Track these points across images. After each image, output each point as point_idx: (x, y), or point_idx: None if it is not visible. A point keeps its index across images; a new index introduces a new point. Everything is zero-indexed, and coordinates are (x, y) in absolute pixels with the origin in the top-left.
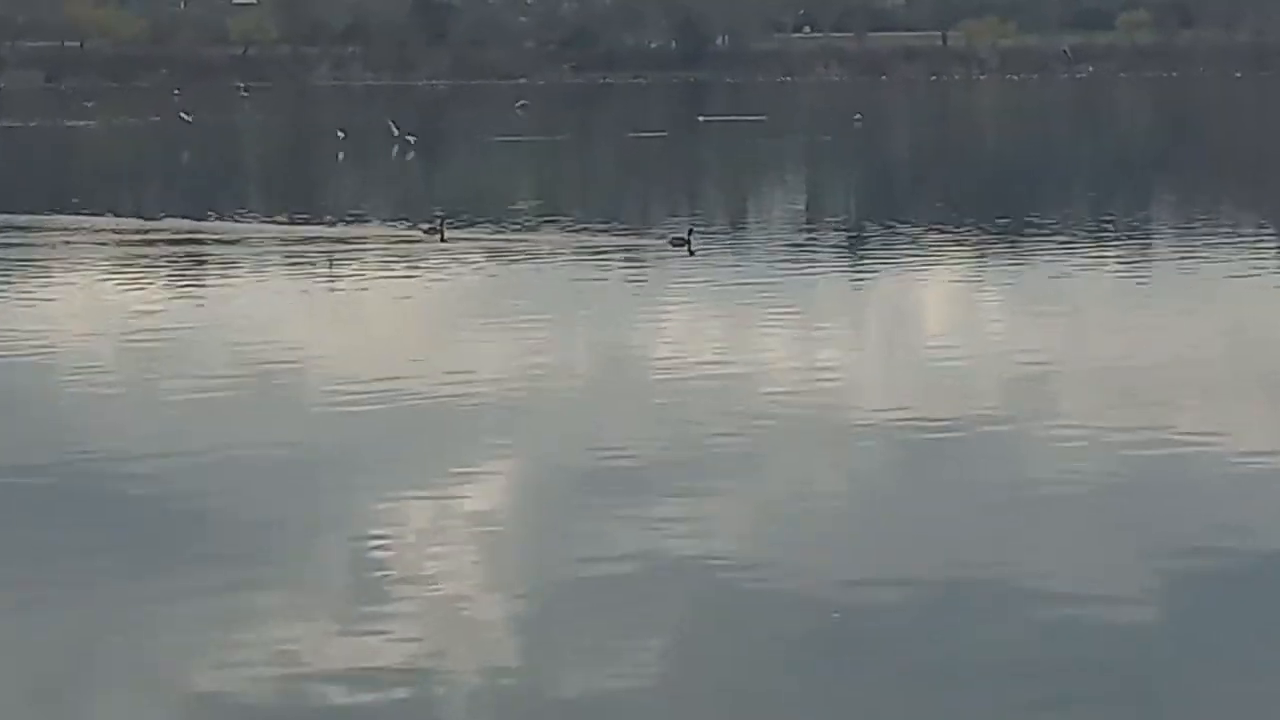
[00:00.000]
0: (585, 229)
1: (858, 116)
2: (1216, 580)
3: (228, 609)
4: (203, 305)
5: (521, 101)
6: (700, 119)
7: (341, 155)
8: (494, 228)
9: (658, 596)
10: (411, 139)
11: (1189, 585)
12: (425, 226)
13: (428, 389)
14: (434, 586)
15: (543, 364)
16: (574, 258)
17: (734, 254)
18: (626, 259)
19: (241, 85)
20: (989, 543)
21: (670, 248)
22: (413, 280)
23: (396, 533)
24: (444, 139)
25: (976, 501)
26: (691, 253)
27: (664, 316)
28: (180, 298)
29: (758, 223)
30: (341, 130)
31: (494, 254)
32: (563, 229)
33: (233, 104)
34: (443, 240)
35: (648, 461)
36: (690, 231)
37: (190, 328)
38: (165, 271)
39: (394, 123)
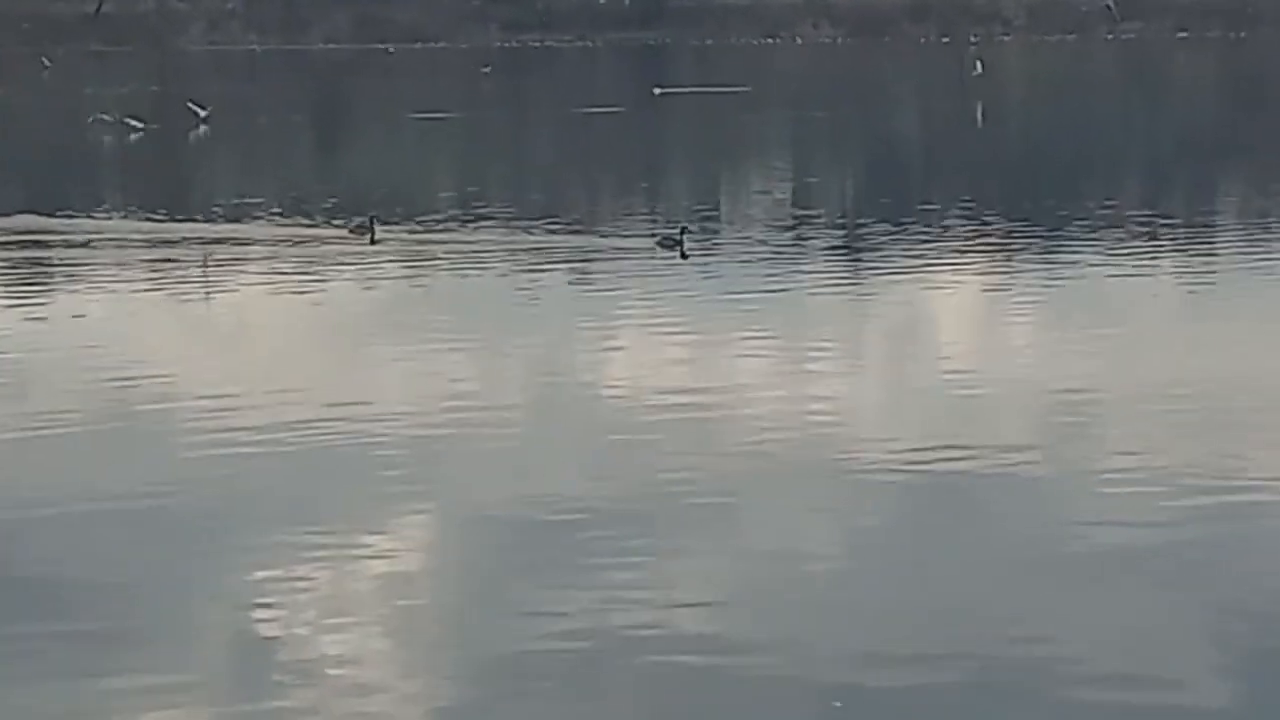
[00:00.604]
0: (548, 228)
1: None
2: None
3: (84, 696)
4: (45, 322)
5: (486, 66)
6: (656, 91)
7: (136, 135)
8: (432, 226)
9: (611, 682)
10: (203, 111)
11: (1265, 666)
12: (353, 224)
13: (332, 423)
14: (335, 670)
15: (478, 392)
16: (537, 262)
17: (726, 257)
18: (599, 263)
19: (46, 58)
20: (1019, 612)
21: (659, 250)
22: (326, 289)
23: (290, 602)
24: (350, 116)
25: (1004, 561)
26: (684, 256)
27: (635, 332)
28: (16, 312)
29: (746, 219)
30: (199, 105)
31: (433, 257)
32: (523, 229)
33: (33, 74)
34: (373, 241)
35: (602, 512)
36: (683, 231)
37: (32, 350)
38: None
39: (195, 103)
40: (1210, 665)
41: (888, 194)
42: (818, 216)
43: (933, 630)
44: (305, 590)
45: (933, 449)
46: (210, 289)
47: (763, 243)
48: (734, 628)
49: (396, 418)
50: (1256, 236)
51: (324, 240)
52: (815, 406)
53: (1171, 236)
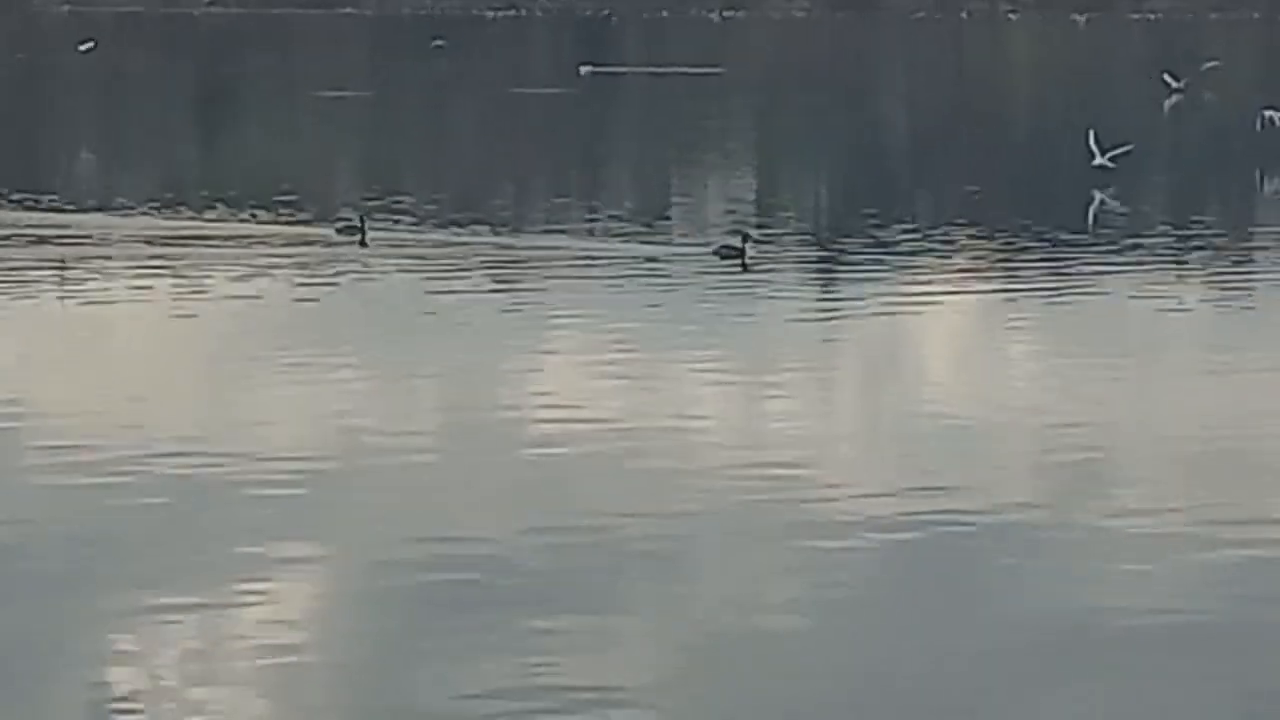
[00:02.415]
0: (571, 229)
1: None
2: None
3: None
4: None
5: (438, 40)
6: (582, 70)
7: None
8: (424, 227)
9: None
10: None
11: None
12: (341, 225)
13: (213, 455)
14: None
15: (385, 420)
16: (548, 271)
17: (679, 269)
18: (625, 272)
19: None
20: (1007, 693)
21: (718, 259)
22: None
23: (153, 666)
24: (250, 93)
25: (991, 630)
26: (746, 267)
27: (573, 353)
28: None
29: (699, 225)
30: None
31: (433, 262)
32: (542, 230)
33: None
34: (364, 245)
35: (518, 563)
36: (745, 239)
37: None
38: None
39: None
40: None
41: (869, 199)
42: (785, 222)
43: (906, 711)
44: (171, 652)
45: (912, 497)
46: (70, 296)
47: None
48: (678, 699)
49: (285, 450)
50: None
51: (307, 241)
52: (776, 445)
53: (1201, 251)
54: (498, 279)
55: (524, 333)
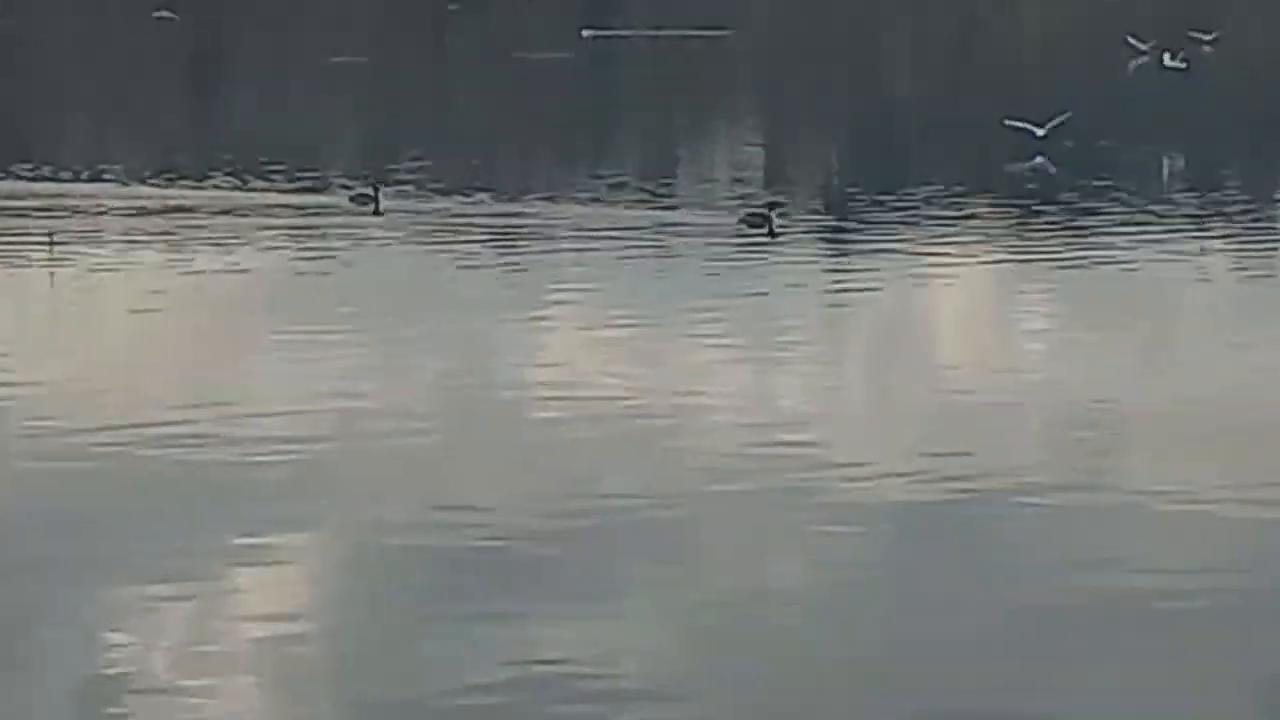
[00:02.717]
0: (580, 196)
1: None
2: None
3: None
4: None
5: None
6: (584, 33)
7: None
8: (434, 196)
9: None
10: None
11: None
12: (353, 193)
13: (213, 430)
14: None
15: (383, 395)
16: (558, 239)
17: (686, 242)
18: (640, 241)
19: None
20: (1019, 670)
21: (745, 228)
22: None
23: (149, 647)
24: (252, 59)
25: (1003, 609)
26: (773, 234)
27: (576, 327)
28: None
29: (707, 198)
30: None
31: (445, 232)
32: (541, 197)
33: None
34: (377, 213)
35: (534, 545)
36: (771, 206)
37: None
38: None
39: None
40: None
41: (883, 168)
42: (795, 193)
43: (918, 689)
44: (165, 634)
45: (923, 473)
46: (65, 266)
47: (731, 227)
48: (685, 683)
49: (284, 425)
50: None
51: (318, 211)
52: (784, 421)
53: (1222, 220)
54: (512, 249)
55: (537, 304)
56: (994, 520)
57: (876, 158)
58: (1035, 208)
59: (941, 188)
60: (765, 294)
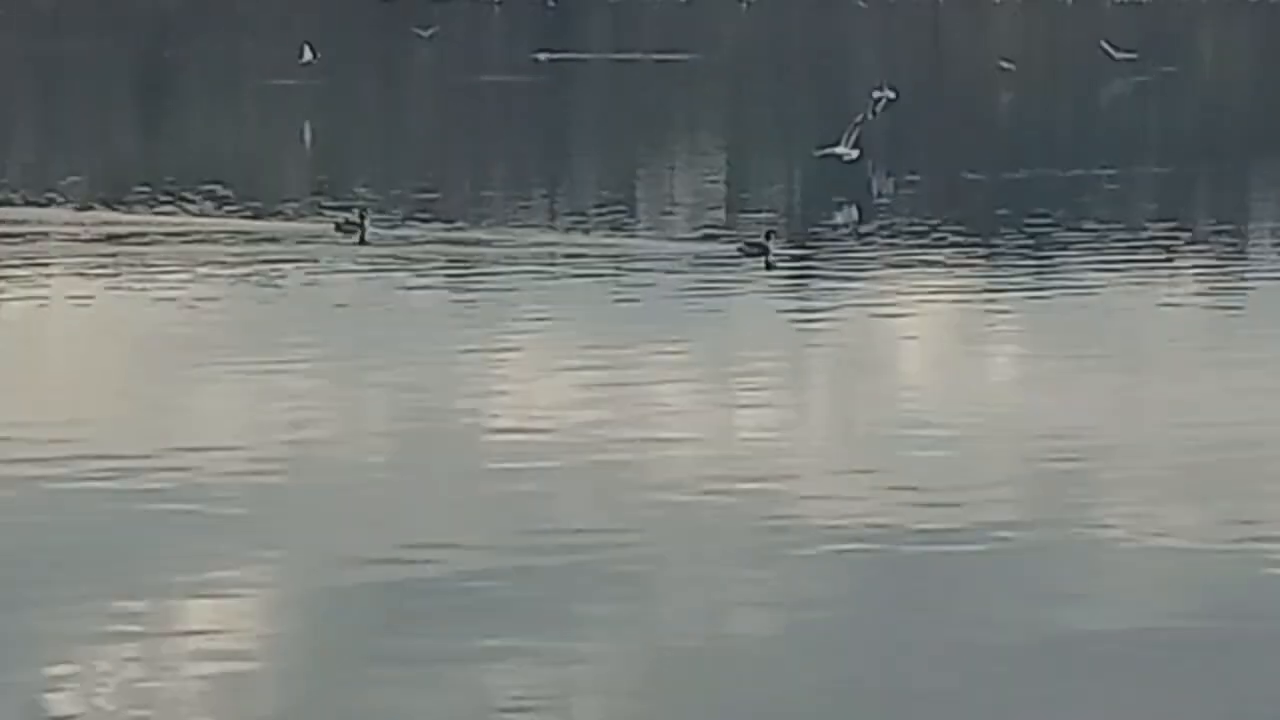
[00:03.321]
0: (562, 226)
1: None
2: None
3: None
4: None
5: (431, 29)
6: (539, 57)
7: None
8: (440, 224)
9: None
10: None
11: None
12: (340, 219)
13: (160, 464)
14: None
15: (336, 426)
16: (550, 270)
17: (647, 268)
18: (597, 270)
19: None
20: (995, 711)
21: (743, 256)
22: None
23: (95, 691)
24: (186, 80)
25: (974, 651)
26: (770, 266)
27: (531, 359)
28: None
29: (666, 224)
30: None
31: (446, 261)
32: (544, 226)
33: None
34: (363, 241)
35: (491, 581)
36: (769, 235)
37: None
38: None
39: None
40: None
41: (844, 191)
42: (753, 217)
43: None
44: (114, 669)
45: (887, 510)
46: (27, 298)
47: (694, 253)
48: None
49: (233, 456)
50: None
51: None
52: (747, 456)
53: (1197, 245)
54: (473, 278)
55: (501, 334)
56: (959, 557)
57: (836, 183)
58: (1002, 231)
59: (904, 216)
60: (734, 324)
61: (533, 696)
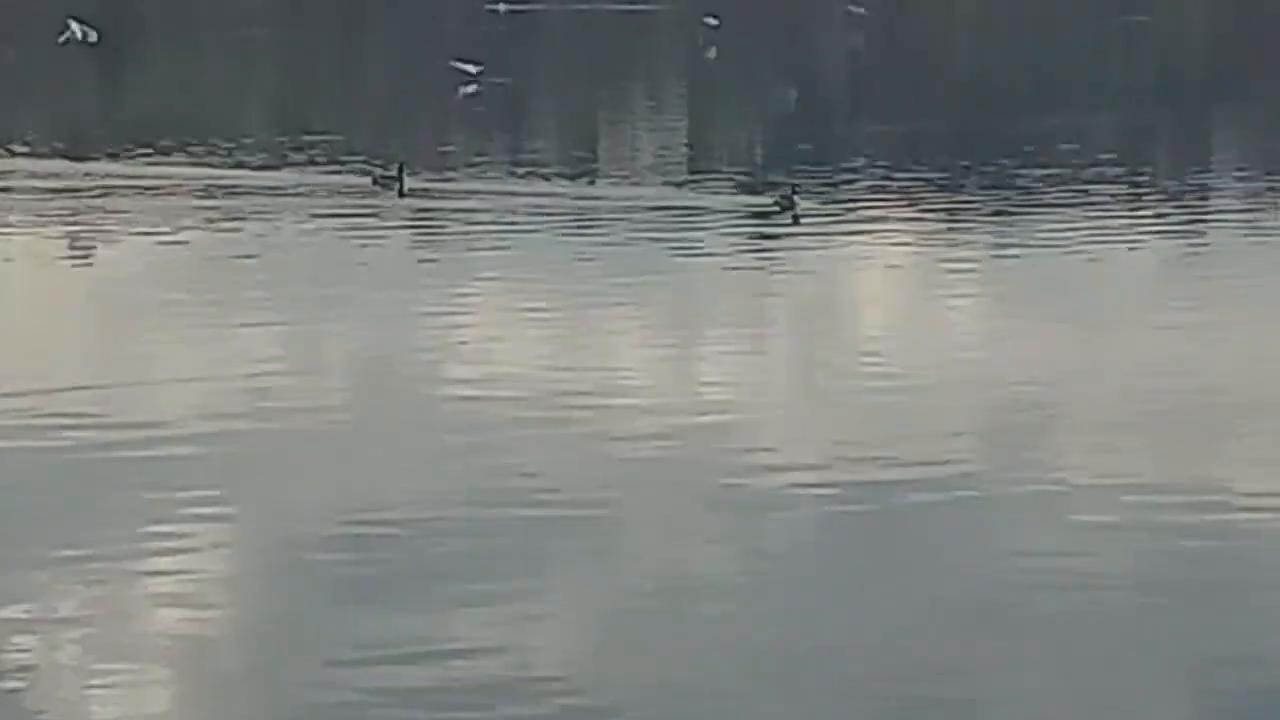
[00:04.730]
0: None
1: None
2: None
3: None
4: None
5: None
6: (498, 8)
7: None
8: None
9: None
10: None
11: None
12: (376, 174)
13: (127, 412)
14: None
15: (298, 380)
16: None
17: (589, 221)
18: (560, 220)
19: None
20: (954, 665)
21: (776, 210)
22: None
23: (51, 646)
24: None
25: (935, 602)
26: (797, 219)
27: (493, 311)
28: None
29: (629, 174)
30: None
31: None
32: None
33: None
34: (401, 195)
35: (452, 531)
36: (794, 191)
37: None
38: None
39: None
40: None
41: (810, 141)
42: (713, 170)
43: (839, 678)
44: (69, 625)
45: (851, 460)
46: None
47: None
48: (601, 671)
49: (192, 408)
50: (1265, 191)
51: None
52: (706, 406)
53: (1154, 198)
54: (436, 231)
55: (466, 287)
56: (918, 507)
57: (802, 137)
58: (963, 186)
59: (866, 165)
60: (703, 277)
61: (494, 647)
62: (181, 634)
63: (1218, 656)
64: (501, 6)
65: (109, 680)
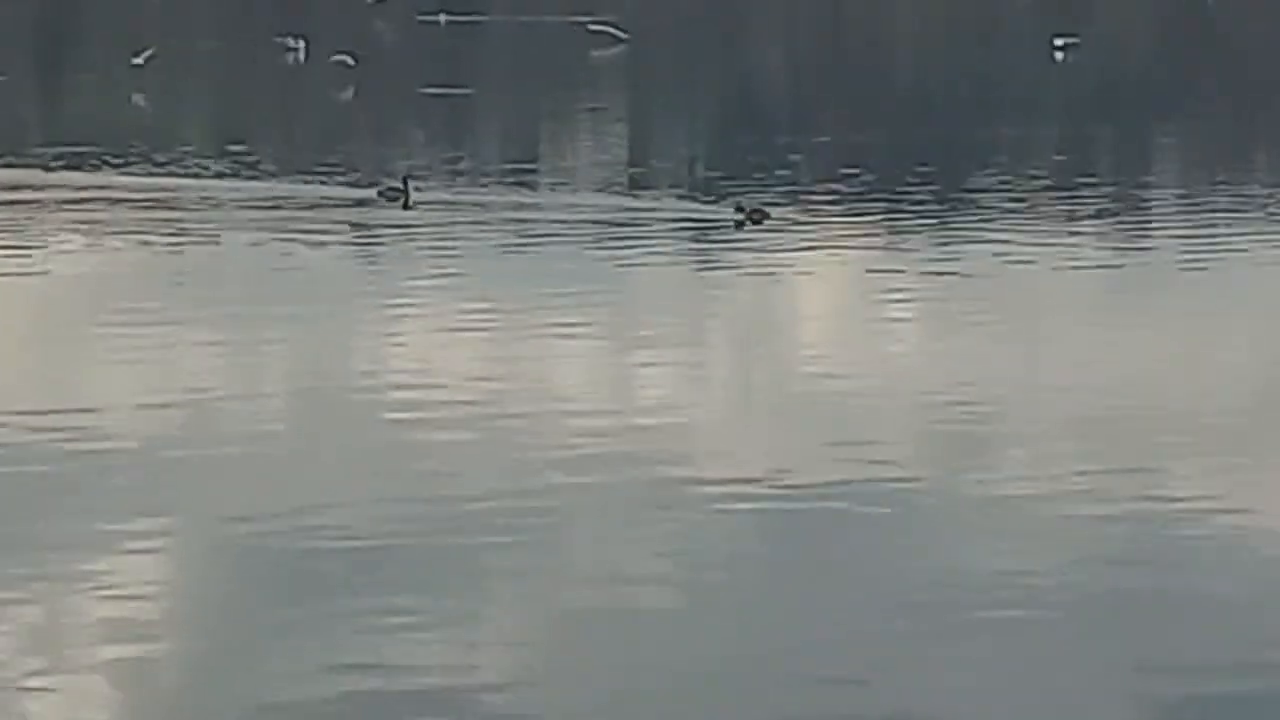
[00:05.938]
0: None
1: None
2: None
3: None
4: None
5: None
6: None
7: None
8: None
9: None
10: None
11: None
12: (383, 187)
13: (66, 424)
14: None
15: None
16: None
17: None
18: (498, 231)
19: None
20: (891, 671)
21: (735, 218)
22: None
23: None
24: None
25: (874, 608)
26: (756, 222)
27: (429, 322)
28: None
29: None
30: None
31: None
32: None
33: None
34: (407, 207)
35: (390, 541)
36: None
37: None
38: None
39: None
40: None
41: (750, 150)
42: (656, 175)
43: (777, 685)
44: (9, 632)
45: (791, 468)
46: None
47: (599, 210)
48: (539, 680)
49: (132, 420)
50: (1204, 205)
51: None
52: (647, 414)
53: (1095, 202)
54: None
55: (403, 296)
56: (859, 515)
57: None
58: (904, 193)
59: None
60: (629, 283)
61: (433, 655)
62: (119, 657)
63: (1152, 661)
64: (442, 17)
65: (45, 684)
